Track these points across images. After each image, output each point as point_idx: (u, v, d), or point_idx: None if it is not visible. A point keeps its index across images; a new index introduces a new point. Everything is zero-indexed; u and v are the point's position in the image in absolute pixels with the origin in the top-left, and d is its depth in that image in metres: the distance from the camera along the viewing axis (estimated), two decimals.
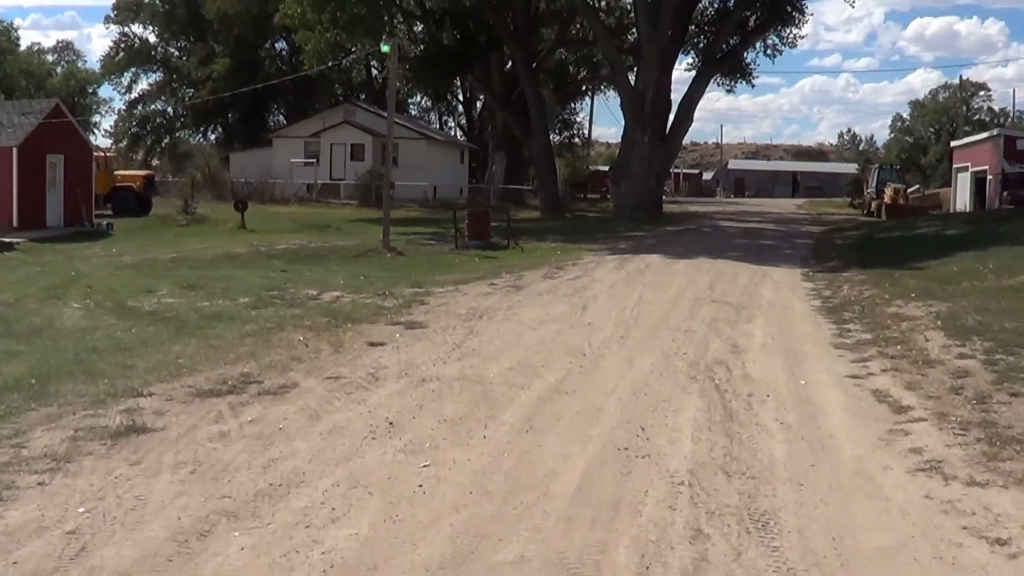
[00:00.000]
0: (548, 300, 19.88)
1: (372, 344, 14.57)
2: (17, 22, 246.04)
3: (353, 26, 48.39)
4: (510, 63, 66.30)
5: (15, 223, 38.21)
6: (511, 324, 16.70)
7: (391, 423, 10.12)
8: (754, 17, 59.44)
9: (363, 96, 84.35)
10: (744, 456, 9.15)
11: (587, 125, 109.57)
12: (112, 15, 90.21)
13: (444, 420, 10.31)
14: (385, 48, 35.16)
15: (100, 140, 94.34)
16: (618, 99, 57.85)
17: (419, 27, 66.21)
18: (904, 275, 23.58)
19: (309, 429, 9.92)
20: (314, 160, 69.88)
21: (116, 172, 53.65)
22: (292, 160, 69.27)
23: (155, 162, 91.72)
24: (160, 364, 13.08)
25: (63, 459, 8.91)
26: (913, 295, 19.75)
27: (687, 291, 21.71)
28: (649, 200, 53.48)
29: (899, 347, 14.41)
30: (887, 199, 59.17)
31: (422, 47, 61.27)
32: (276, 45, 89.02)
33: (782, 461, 9.06)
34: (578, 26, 67.98)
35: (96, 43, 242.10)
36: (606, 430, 9.99)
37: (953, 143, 72.37)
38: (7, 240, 34.65)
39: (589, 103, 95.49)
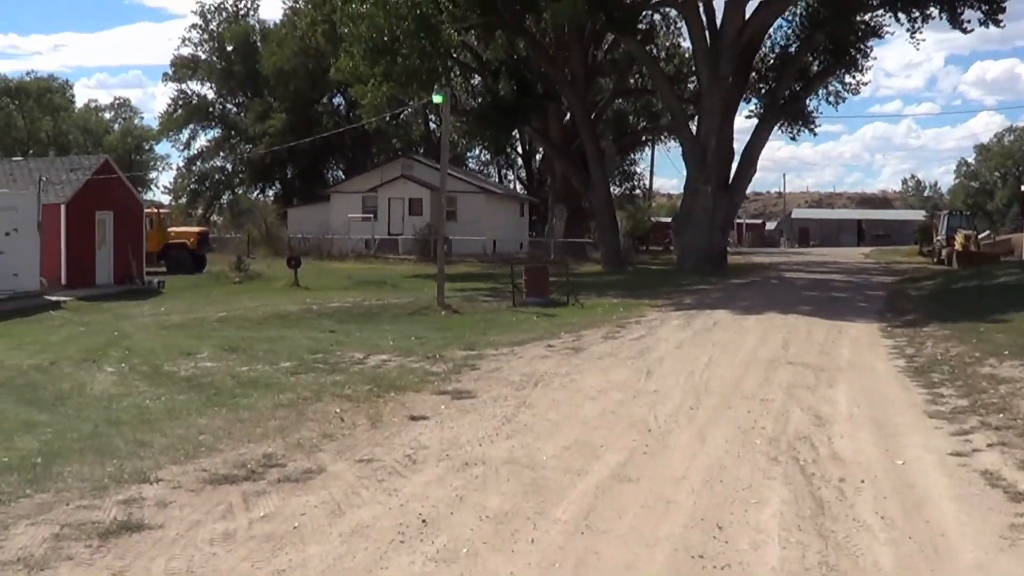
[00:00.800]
0: (609, 364, 18.41)
1: (413, 418, 13.25)
2: (82, 81, 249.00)
3: (407, 79, 47.35)
4: (568, 114, 65.38)
5: (64, 281, 37.42)
6: (568, 393, 15.27)
7: (424, 521, 8.73)
8: (816, 63, 58.21)
9: (421, 150, 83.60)
10: (844, 565, 7.69)
11: (648, 176, 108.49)
12: (170, 72, 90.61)
13: (486, 516, 8.90)
14: (437, 99, 34.03)
15: (159, 197, 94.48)
16: (679, 149, 56.81)
17: (475, 80, 65.54)
18: (990, 329, 22.10)
19: (328, 529, 8.56)
20: (372, 215, 68.98)
21: (170, 229, 52.92)
22: (349, 215, 68.62)
23: (215, 218, 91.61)
24: (179, 441, 11.91)
25: (37, 566, 7.69)
26: (1006, 352, 18.27)
27: (760, 351, 20.26)
28: (713, 252, 52.13)
29: (1001, 415, 12.96)
30: (958, 246, 57.49)
31: (479, 100, 60.48)
32: (333, 100, 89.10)
33: (890, 570, 7.62)
34: (636, 75, 66.94)
35: (159, 101, 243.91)
36: (676, 529, 8.53)
37: None
38: (54, 298, 33.85)
39: (649, 153, 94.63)
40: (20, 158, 51.08)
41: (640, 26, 58.38)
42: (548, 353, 19.72)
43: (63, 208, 37.76)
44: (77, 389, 16.42)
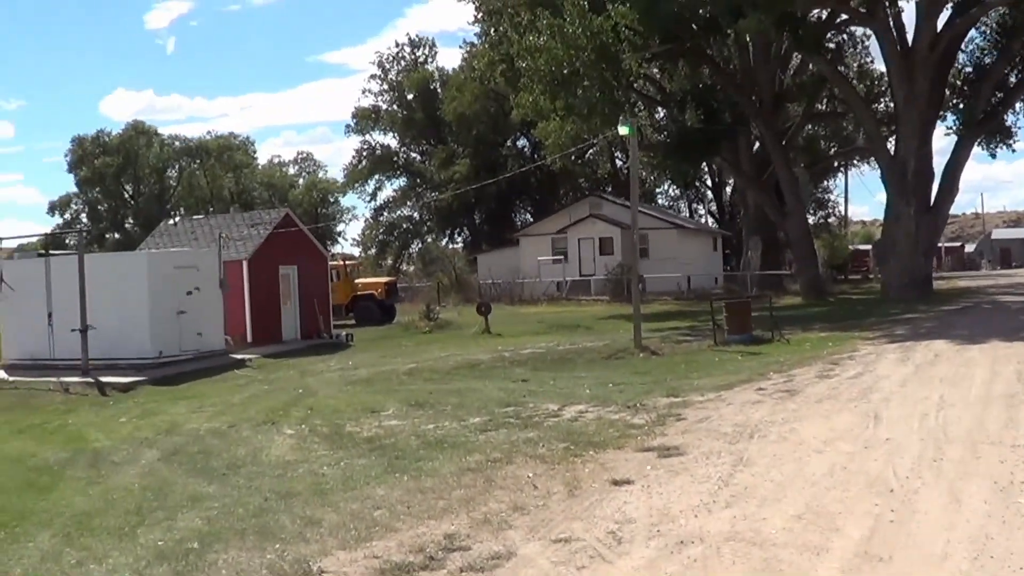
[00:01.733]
0: (830, 408, 16.49)
1: (616, 482, 11.60)
2: (270, 141, 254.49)
3: (589, 112, 45.96)
4: (757, 143, 63.37)
5: (249, 338, 36.99)
6: (789, 446, 13.41)
7: None
8: (1015, 73, 55.00)
9: (608, 188, 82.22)
10: None
11: (842, 203, 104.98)
12: (352, 124, 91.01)
13: None
14: (624, 130, 32.54)
15: (348, 249, 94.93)
16: (871, 173, 54.72)
17: (659, 113, 63.88)
18: None
19: None
20: (562, 257, 67.80)
21: (357, 280, 52.39)
22: (539, 258, 67.60)
23: (405, 267, 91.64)
24: (352, 518, 10.63)
25: None
26: None
27: (993, 386, 18.12)
28: (918, 277, 49.58)
29: None
30: None
31: (663, 133, 58.82)
32: (517, 143, 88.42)
33: None
34: (824, 99, 64.43)
35: (346, 156, 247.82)
36: None
37: None
38: (240, 357, 33.30)
39: (843, 179, 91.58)
40: (200, 216, 51.11)
41: (828, 45, 56.12)
42: (760, 398, 17.90)
43: (245, 264, 37.45)
44: (252, 455, 15.42)
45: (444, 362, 29.07)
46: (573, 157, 73.17)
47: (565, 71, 44.78)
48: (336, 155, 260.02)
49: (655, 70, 57.82)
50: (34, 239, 39.64)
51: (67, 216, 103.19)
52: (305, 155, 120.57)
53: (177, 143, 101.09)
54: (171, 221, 44.36)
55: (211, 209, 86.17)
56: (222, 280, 34.31)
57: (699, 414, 16.24)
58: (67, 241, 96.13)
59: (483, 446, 14.33)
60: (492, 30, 60.19)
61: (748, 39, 54.91)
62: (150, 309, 31.06)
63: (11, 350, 33.19)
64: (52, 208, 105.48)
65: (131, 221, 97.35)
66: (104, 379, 28.30)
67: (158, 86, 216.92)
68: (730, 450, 13.17)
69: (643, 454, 13.19)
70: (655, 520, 9.91)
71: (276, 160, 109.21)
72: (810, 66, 58.99)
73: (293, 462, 14.56)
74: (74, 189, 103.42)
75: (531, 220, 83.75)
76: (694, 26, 48.24)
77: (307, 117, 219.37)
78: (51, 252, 31.76)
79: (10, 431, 21.29)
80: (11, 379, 30.07)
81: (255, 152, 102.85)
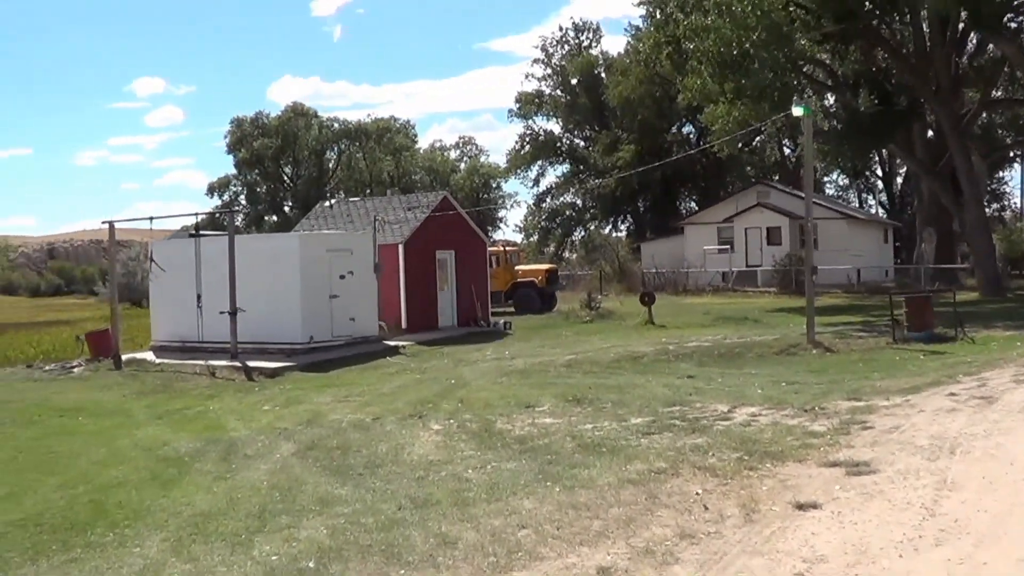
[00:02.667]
0: None
1: (800, 506, 9.96)
2: (434, 127, 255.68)
3: (759, 95, 43.92)
4: (930, 130, 60.49)
5: (404, 324, 35.98)
6: (999, 465, 11.50)
7: None
8: None
9: (775, 177, 79.78)
10: None
11: (1017, 195, 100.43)
12: (515, 109, 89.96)
13: None
14: (799, 111, 30.55)
15: (509, 235, 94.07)
16: None
17: (828, 99, 61.37)
18: None
19: None
20: (728, 246, 65.80)
21: (517, 267, 51.08)
22: (705, 247, 65.71)
23: (568, 255, 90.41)
24: (492, 539, 9.32)
25: None
26: None
27: None
28: None
29: None
30: None
31: (833, 121, 56.36)
32: (682, 129, 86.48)
33: None
34: (1002, 85, 61.10)
35: (510, 143, 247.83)
36: None
37: None
38: (394, 344, 32.31)
39: (1019, 171, 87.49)
40: (357, 198, 50.20)
41: (1011, 25, 52.99)
42: (953, 404, 15.92)
43: (401, 248, 36.48)
44: (393, 453, 14.20)
45: (605, 354, 27.63)
46: (740, 144, 71.41)
47: (734, 52, 42.80)
48: (500, 142, 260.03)
49: (826, 54, 55.25)
50: (189, 220, 39.01)
51: (226, 198, 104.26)
52: (467, 139, 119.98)
53: (336, 125, 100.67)
54: (327, 203, 43.51)
55: (368, 192, 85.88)
56: (377, 264, 33.38)
57: (887, 422, 14.39)
58: (224, 223, 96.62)
59: (645, 452, 12.84)
60: (658, 11, 58.37)
61: (925, 18, 52.14)
62: (301, 292, 30.29)
63: (160, 331, 32.69)
64: (211, 190, 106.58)
65: (289, 203, 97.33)
66: (252, 364, 27.55)
67: (324, 73, 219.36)
68: (930, 469, 11.35)
69: (828, 470, 11.48)
70: (851, 560, 8.25)
71: (438, 144, 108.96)
72: (988, 48, 55.98)
73: (436, 463, 13.29)
74: (233, 171, 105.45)
75: (696, 208, 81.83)
76: (868, 4, 45.93)
77: (472, 104, 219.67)
78: (202, 233, 31.03)
79: (149, 416, 20.49)
80: (158, 361, 29.53)
81: (415, 136, 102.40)
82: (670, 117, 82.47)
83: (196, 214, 30.63)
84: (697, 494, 10.52)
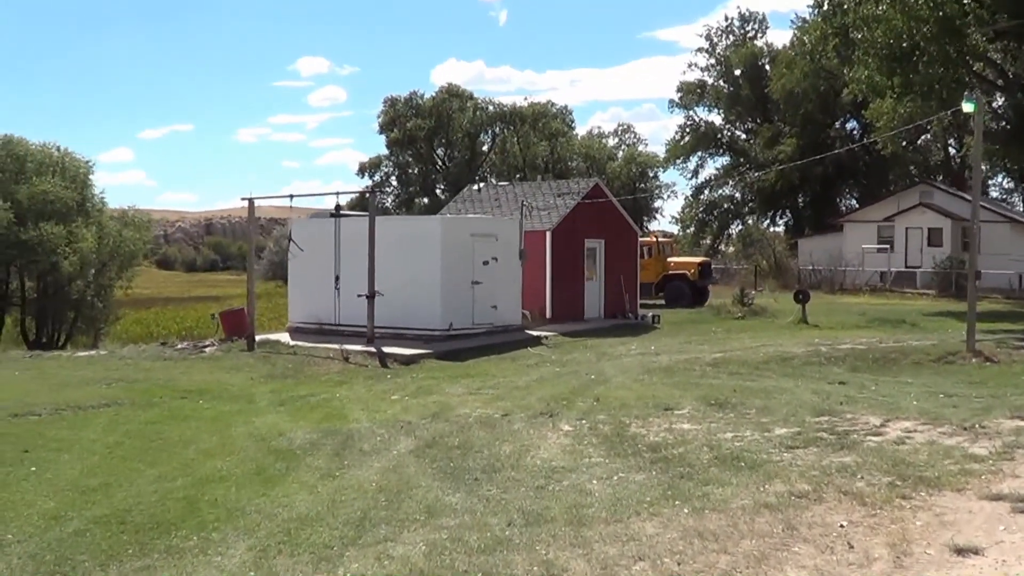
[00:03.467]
0: None
1: (959, 551, 8.52)
2: (597, 115, 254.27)
3: (927, 90, 41.96)
4: None
5: (548, 314, 34.98)
6: None
7: None
8: None
9: (939, 177, 77.09)
10: None
11: None
12: (677, 99, 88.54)
13: None
14: (968, 107, 28.75)
15: (665, 226, 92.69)
16: None
17: (999, 99, 58.78)
18: None
19: None
20: (887, 246, 63.70)
21: (669, 259, 49.74)
22: (864, 246, 63.73)
23: (724, 248, 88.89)
24: (609, 567, 8.31)
25: None
26: None
27: None
28: None
29: None
30: None
31: (1003, 122, 53.92)
32: (846, 125, 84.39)
33: None
34: None
35: (671, 135, 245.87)
36: None
37: None
38: (536, 334, 31.39)
39: None
40: (506, 182, 49.21)
41: None
42: None
43: (549, 235, 35.45)
44: (516, 456, 13.22)
45: (754, 353, 26.35)
46: (904, 142, 69.11)
47: (904, 44, 40.89)
48: (661, 133, 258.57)
49: (998, 52, 52.72)
50: (343, 198, 38.47)
51: (377, 178, 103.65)
52: (626, 127, 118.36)
53: (491, 108, 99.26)
54: (475, 187, 42.61)
55: (521, 177, 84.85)
56: (522, 250, 32.44)
57: None
58: (376, 203, 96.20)
59: (787, 470, 11.60)
60: (827, 1, 56.47)
61: None
62: (442, 278, 29.60)
63: (297, 312, 32.24)
64: (362, 170, 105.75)
65: (441, 186, 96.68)
66: (387, 349, 26.79)
67: (489, 57, 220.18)
68: None
69: (991, 504, 9.99)
70: None
71: (595, 131, 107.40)
72: None
73: (559, 470, 12.27)
74: (385, 152, 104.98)
75: (855, 206, 79.68)
76: None
77: (635, 94, 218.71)
78: (343, 213, 30.38)
79: (272, 402, 19.85)
80: (292, 343, 28.98)
81: (572, 121, 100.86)
82: (834, 112, 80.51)
83: (338, 193, 29.98)
84: (841, 526, 9.22)
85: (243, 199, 30.96)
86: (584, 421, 15.75)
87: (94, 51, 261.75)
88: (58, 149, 42.96)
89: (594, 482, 11.48)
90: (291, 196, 30.39)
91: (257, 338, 29.61)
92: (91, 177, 43.69)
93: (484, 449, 13.82)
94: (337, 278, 29.47)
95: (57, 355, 30.46)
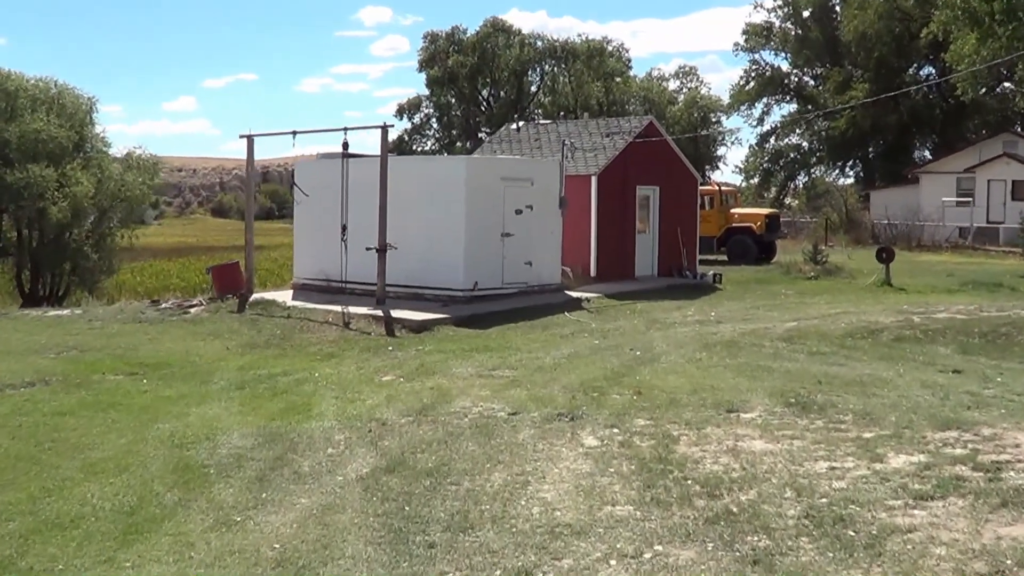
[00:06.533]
0: None
1: None
2: (659, 66, 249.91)
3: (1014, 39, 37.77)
4: None
5: (593, 272, 30.59)
6: None
7: None
8: None
9: (1019, 127, 71.93)
10: None
11: None
12: (742, 42, 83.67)
13: None
14: None
15: (728, 176, 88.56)
16: None
17: None
18: None
19: None
20: (968, 199, 58.85)
21: (733, 210, 45.05)
22: (943, 199, 58.91)
23: (789, 201, 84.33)
24: None
25: None
26: None
27: None
28: None
29: None
30: None
31: None
32: (920, 71, 79.29)
33: None
34: None
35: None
36: None
37: None
38: (577, 295, 27.13)
39: None
40: (548, 121, 44.53)
41: None
42: None
43: (594, 180, 30.79)
44: (506, 497, 9.25)
45: (834, 323, 21.98)
46: (984, 88, 64.47)
47: None
48: (724, 85, 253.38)
49: None
50: (360, 136, 34.19)
51: (416, 120, 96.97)
52: (688, 69, 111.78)
53: (540, 43, 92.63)
54: (514, 126, 37.91)
55: (564, 117, 79.71)
56: (562, 198, 27.98)
57: None
58: (414, 147, 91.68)
59: (929, 553, 7.19)
60: None
61: None
62: (467, 229, 25.32)
63: (303, 267, 28.15)
64: (400, 111, 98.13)
65: (486, 130, 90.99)
66: (397, 313, 22.56)
67: (552, 7, 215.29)
68: None
69: None
70: None
71: (656, 73, 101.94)
72: None
73: (564, 531, 8.17)
74: (426, 91, 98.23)
75: (929, 158, 74.77)
76: None
77: (698, 45, 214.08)
78: (351, 153, 26.07)
79: (229, 384, 15.83)
80: (289, 304, 24.80)
81: (629, 61, 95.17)
82: (909, 56, 75.54)
83: (346, 129, 25.63)
84: None
85: (241, 136, 27.28)
86: (616, 430, 11.50)
87: (158, 1, 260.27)
88: (55, 84, 38.95)
89: (612, 562, 7.25)
90: (294, 132, 26.35)
91: (254, 296, 25.86)
92: (93, 116, 39.65)
93: (465, 479, 9.67)
94: (344, 228, 25.08)
95: (23, 314, 26.49)
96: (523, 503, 8.84)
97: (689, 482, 9.23)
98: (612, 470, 9.78)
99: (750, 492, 8.83)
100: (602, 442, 10.93)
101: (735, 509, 8.37)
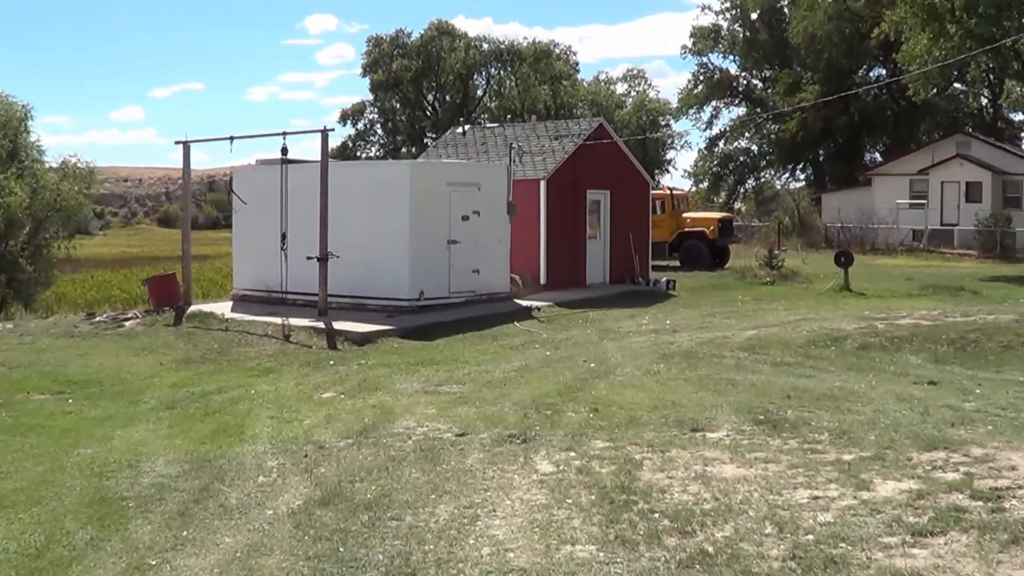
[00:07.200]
0: None
1: None
2: (605, 72, 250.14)
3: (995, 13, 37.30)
4: None
5: (543, 279, 29.63)
6: None
7: None
8: None
9: (969, 128, 71.67)
10: None
11: None
12: (689, 45, 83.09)
13: None
14: None
15: (677, 180, 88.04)
16: None
17: None
18: None
19: None
20: (922, 201, 58.44)
21: (684, 215, 44.16)
22: (897, 202, 58.48)
23: (738, 205, 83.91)
24: None
25: None
26: None
27: None
28: None
29: None
30: None
31: None
32: (871, 73, 79.15)
33: None
34: None
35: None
36: None
37: None
38: (527, 304, 26.25)
39: None
40: (495, 124, 43.48)
41: None
42: None
43: (543, 184, 29.80)
44: (452, 537, 8.27)
45: (795, 330, 21.18)
46: (935, 89, 64.31)
47: None
48: (670, 90, 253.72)
49: None
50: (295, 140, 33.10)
51: (360, 126, 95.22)
52: (636, 72, 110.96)
53: (486, 45, 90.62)
54: (459, 129, 36.82)
55: (512, 120, 78.63)
56: (510, 203, 27.02)
57: None
58: (358, 154, 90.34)
59: None
60: None
61: None
62: (411, 236, 24.39)
63: (242, 278, 27.08)
64: (344, 117, 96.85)
65: (432, 135, 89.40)
66: (339, 325, 21.62)
67: (497, 14, 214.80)
68: None
69: None
70: None
71: (603, 77, 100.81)
72: None
73: (513, 573, 7.21)
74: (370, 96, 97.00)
75: (881, 160, 74.46)
76: None
77: (644, 50, 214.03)
78: (290, 159, 25.07)
79: (160, 404, 14.93)
80: (227, 316, 23.70)
81: (576, 64, 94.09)
82: (860, 57, 75.10)
83: (285, 133, 24.64)
84: None
85: (176, 142, 26.31)
86: (573, 453, 10.55)
87: (103, 9, 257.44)
88: None
89: None
90: (231, 137, 25.44)
91: (192, 308, 24.81)
92: (28, 123, 38.26)
93: (407, 513, 8.71)
94: (284, 236, 23.97)
95: None
96: (471, 542, 7.86)
97: (657, 515, 8.27)
98: (570, 501, 8.81)
99: (725, 527, 7.89)
100: (558, 468, 9.96)
101: (710, 549, 7.42)
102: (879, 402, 12.91)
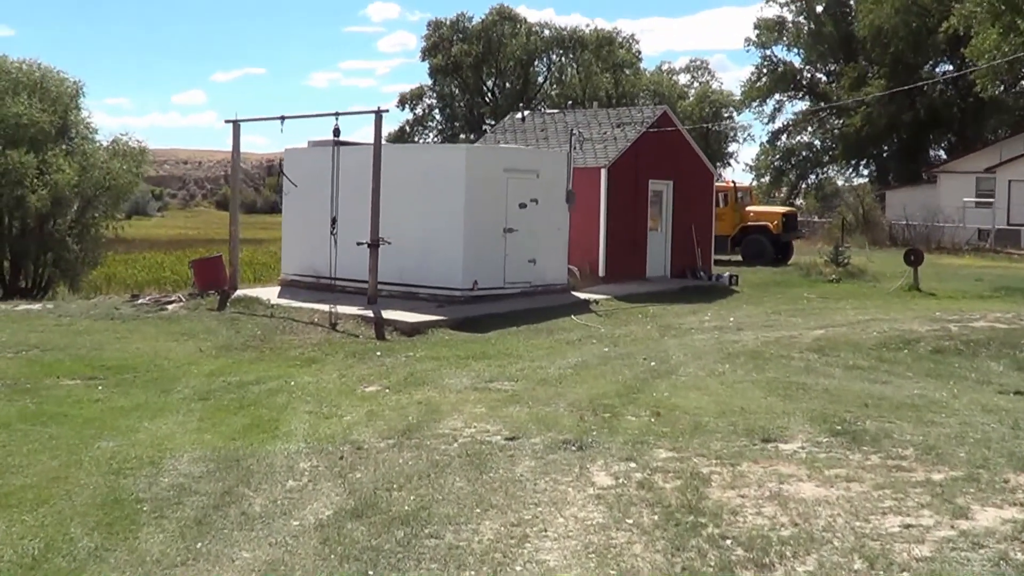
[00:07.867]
0: None
1: None
2: (666, 66, 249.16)
3: None
4: None
5: (601, 272, 28.70)
6: None
7: None
8: None
9: None
10: None
11: None
12: (753, 37, 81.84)
13: None
14: None
15: (738, 174, 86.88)
16: None
17: None
18: None
19: None
20: (990, 200, 57.02)
21: (748, 208, 43.03)
22: (964, 200, 57.07)
23: (799, 201, 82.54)
24: None
25: None
26: None
27: None
28: None
29: None
30: None
31: None
32: (936, 68, 77.50)
33: None
34: None
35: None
36: None
37: None
38: (584, 296, 25.32)
39: None
40: (556, 110, 42.56)
41: None
42: None
43: (604, 173, 28.85)
44: (497, 562, 7.23)
45: (864, 330, 20.11)
46: (1003, 86, 62.97)
47: None
48: (734, 84, 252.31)
49: None
50: (359, 124, 32.41)
51: (418, 111, 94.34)
52: (699, 63, 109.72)
53: (547, 32, 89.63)
54: (518, 115, 35.99)
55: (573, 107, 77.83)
56: (570, 191, 26.11)
57: None
58: (416, 138, 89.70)
59: None
60: None
61: None
62: (466, 223, 23.51)
63: (291, 262, 26.39)
64: (403, 101, 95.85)
65: (490, 121, 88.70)
66: (389, 314, 20.74)
67: (559, 5, 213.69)
68: None
69: None
70: None
71: (665, 67, 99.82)
72: None
73: None
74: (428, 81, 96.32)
75: (945, 157, 73.15)
76: None
77: (705, 44, 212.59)
78: (341, 141, 24.27)
79: (193, 393, 14.06)
80: (274, 302, 22.91)
81: (639, 53, 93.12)
82: (927, 51, 73.52)
83: (337, 114, 23.82)
84: None
85: (227, 121, 25.55)
86: (633, 464, 9.66)
87: None
88: (39, 67, 36.99)
89: None
90: (282, 117, 24.49)
91: (237, 293, 24.05)
92: (79, 100, 37.68)
93: (448, 529, 7.84)
94: (334, 221, 23.10)
95: None
96: (518, 569, 6.98)
97: (729, 542, 7.36)
98: (631, 521, 7.92)
99: (808, 560, 6.97)
100: (617, 480, 9.06)
101: None
102: (964, 413, 11.93)
